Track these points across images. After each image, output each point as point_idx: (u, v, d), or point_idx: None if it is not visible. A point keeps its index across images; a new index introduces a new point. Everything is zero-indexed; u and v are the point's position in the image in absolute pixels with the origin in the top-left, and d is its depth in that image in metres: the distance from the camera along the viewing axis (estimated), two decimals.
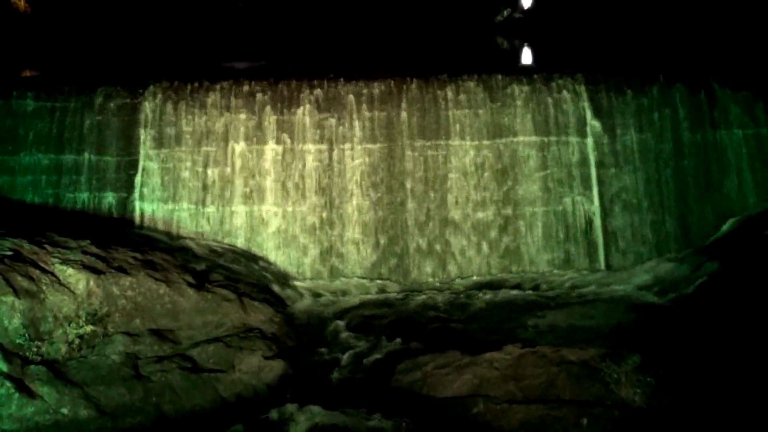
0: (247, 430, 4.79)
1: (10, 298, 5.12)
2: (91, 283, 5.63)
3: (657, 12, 14.26)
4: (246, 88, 8.24)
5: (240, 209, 8.02)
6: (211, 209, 8.04)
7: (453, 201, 8.02)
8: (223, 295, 6.34)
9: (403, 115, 8.12)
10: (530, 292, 7.57)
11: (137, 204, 8.07)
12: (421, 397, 5.19)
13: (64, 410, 4.81)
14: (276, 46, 14.53)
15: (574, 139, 8.15)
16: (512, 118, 8.14)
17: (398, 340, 6.35)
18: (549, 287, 7.66)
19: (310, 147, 8.07)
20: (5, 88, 8.32)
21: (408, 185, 8.04)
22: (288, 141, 8.08)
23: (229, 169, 8.07)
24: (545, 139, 8.13)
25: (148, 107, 8.17)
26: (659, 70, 8.56)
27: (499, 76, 8.33)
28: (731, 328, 5.88)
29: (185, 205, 8.06)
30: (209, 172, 8.07)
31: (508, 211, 8.03)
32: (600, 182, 8.10)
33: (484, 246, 8.00)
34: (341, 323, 6.90)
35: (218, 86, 8.27)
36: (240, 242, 7.98)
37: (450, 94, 8.18)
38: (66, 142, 8.13)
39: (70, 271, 5.60)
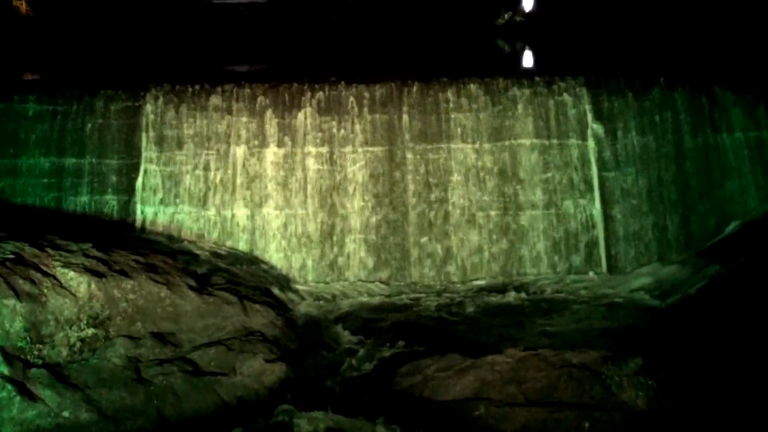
0: None
1: (11, 301, 5.12)
2: (93, 286, 5.63)
3: (658, 15, 14.26)
4: (247, 91, 8.24)
5: (241, 212, 8.03)
6: (212, 212, 8.05)
7: (454, 204, 8.02)
8: (224, 298, 6.34)
9: (405, 118, 8.12)
10: (531, 294, 7.57)
11: (138, 207, 8.08)
12: (423, 401, 5.19)
13: (66, 413, 4.80)
14: (277, 49, 14.55)
15: (575, 142, 8.14)
16: (513, 121, 8.14)
17: (399, 343, 6.35)
18: (550, 290, 7.65)
19: (312, 150, 8.08)
20: (7, 91, 8.33)
21: (409, 188, 8.04)
22: (289, 144, 8.08)
23: (230, 172, 8.07)
24: (547, 142, 8.12)
25: (149, 110, 8.18)
26: (660, 73, 8.56)
27: (501, 79, 8.33)
28: (733, 331, 5.88)
29: (186, 208, 8.06)
30: (210, 175, 8.08)
31: (510, 213, 8.03)
32: (601, 185, 8.10)
33: (485, 249, 8.00)
34: (342, 326, 6.90)
35: (219, 89, 8.27)
36: (241, 245, 7.99)
37: (451, 97, 8.19)
38: (67, 146, 8.13)
39: (72, 274, 5.61)
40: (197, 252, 7.60)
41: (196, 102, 8.20)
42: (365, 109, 8.14)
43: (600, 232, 8.05)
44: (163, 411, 5.12)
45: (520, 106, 8.17)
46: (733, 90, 8.48)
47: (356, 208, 8.01)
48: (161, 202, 8.08)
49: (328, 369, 6.04)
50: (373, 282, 7.90)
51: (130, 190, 8.10)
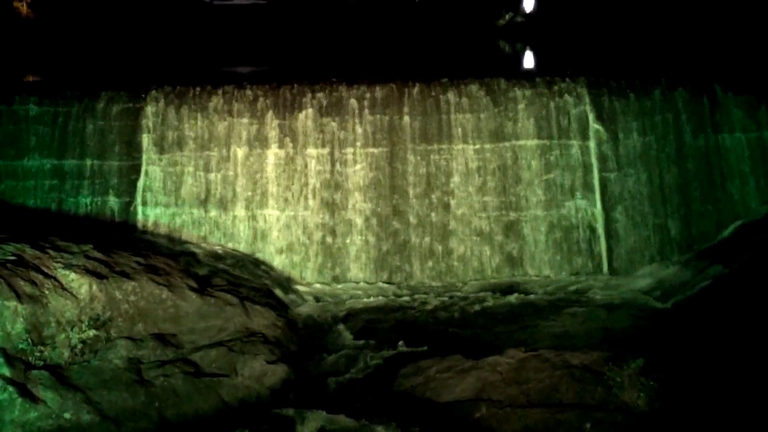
0: None
1: (13, 303, 5.12)
2: (94, 287, 5.64)
3: (659, 16, 14.26)
4: (248, 92, 8.24)
5: (242, 213, 8.03)
6: (213, 213, 8.05)
7: (455, 205, 8.02)
8: (225, 300, 6.34)
9: (406, 119, 8.12)
10: (533, 295, 7.56)
11: (140, 208, 8.08)
12: (424, 402, 5.19)
13: (67, 415, 4.81)
14: (278, 51, 14.56)
15: (576, 143, 8.14)
16: (514, 122, 8.14)
17: (401, 344, 6.34)
18: (552, 291, 7.65)
19: (313, 151, 8.08)
20: (8, 93, 8.34)
21: (410, 189, 8.04)
22: (290, 145, 8.08)
23: (231, 174, 8.07)
24: (547, 143, 8.12)
25: (150, 112, 8.18)
26: (661, 73, 8.55)
27: (502, 80, 8.32)
28: (734, 332, 5.88)
29: (188, 210, 8.06)
30: (212, 176, 8.08)
31: (511, 215, 8.03)
32: (602, 186, 8.09)
33: (487, 250, 8.00)
34: (344, 327, 6.90)
35: (221, 91, 8.28)
36: (242, 246, 7.99)
37: (452, 98, 8.18)
38: (68, 147, 8.14)
39: (73, 275, 5.61)
40: (198, 253, 7.60)
41: (197, 103, 8.20)
42: (366, 110, 8.14)
43: (601, 232, 8.05)
44: (165, 412, 5.13)
45: (521, 107, 8.16)
46: (734, 90, 8.46)
47: (357, 209, 8.01)
48: (162, 203, 8.08)
49: (329, 370, 6.04)
50: (374, 283, 7.90)
51: (132, 191, 8.10)
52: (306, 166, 8.07)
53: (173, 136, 8.14)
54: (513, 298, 7.48)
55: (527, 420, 4.68)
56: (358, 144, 8.09)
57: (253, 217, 8.03)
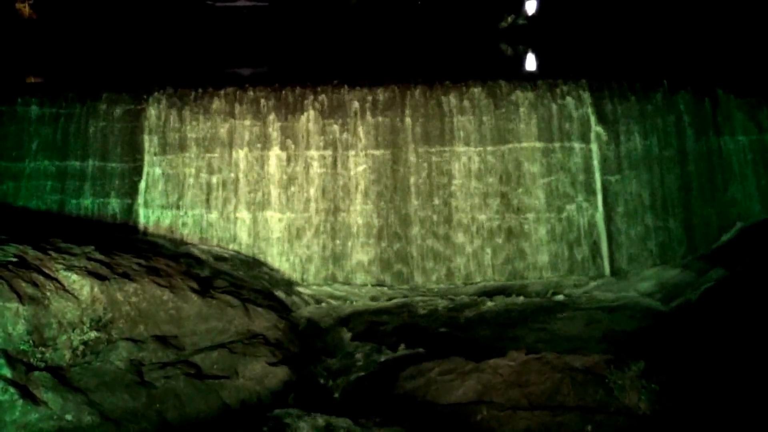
0: None
1: (14, 304, 5.13)
2: (96, 289, 5.64)
3: (661, 18, 14.26)
4: (250, 94, 8.24)
5: (244, 215, 8.03)
6: (214, 215, 8.05)
7: (457, 207, 8.02)
8: (227, 302, 6.34)
9: (407, 121, 8.12)
10: (534, 298, 7.56)
11: (141, 210, 8.08)
12: (425, 404, 5.19)
13: (68, 416, 4.81)
14: (280, 52, 14.57)
15: (578, 145, 8.13)
16: (516, 125, 8.13)
17: (402, 346, 6.34)
18: (553, 294, 7.64)
19: (314, 153, 8.08)
20: (10, 94, 8.34)
21: (412, 191, 8.04)
22: (292, 147, 8.08)
23: (233, 176, 8.07)
24: (549, 146, 8.11)
25: (152, 113, 8.18)
26: (663, 76, 8.54)
27: (503, 83, 8.32)
28: (736, 335, 5.87)
29: (189, 212, 8.06)
30: (213, 178, 8.08)
31: (512, 217, 8.02)
32: (604, 188, 8.08)
33: (488, 252, 7.99)
34: (345, 329, 6.90)
35: (222, 92, 8.27)
36: (244, 248, 7.98)
37: (454, 101, 8.18)
38: (70, 149, 8.14)
39: (75, 277, 5.61)
40: (200, 255, 7.61)
41: (198, 105, 8.20)
42: (368, 113, 8.14)
43: (603, 235, 8.04)
44: (166, 414, 5.13)
45: (522, 110, 8.16)
46: (736, 93, 8.46)
47: (359, 211, 8.01)
48: (164, 205, 8.08)
49: (330, 372, 6.04)
50: (376, 285, 7.89)
51: (133, 193, 8.10)
52: (308, 167, 8.07)
53: (175, 137, 8.15)
54: (514, 300, 7.48)
55: (528, 422, 4.68)
56: (360, 146, 8.09)
57: (255, 219, 8.03)
